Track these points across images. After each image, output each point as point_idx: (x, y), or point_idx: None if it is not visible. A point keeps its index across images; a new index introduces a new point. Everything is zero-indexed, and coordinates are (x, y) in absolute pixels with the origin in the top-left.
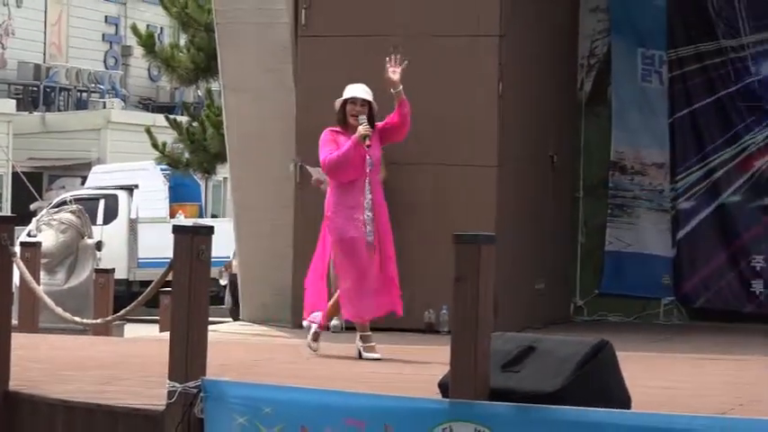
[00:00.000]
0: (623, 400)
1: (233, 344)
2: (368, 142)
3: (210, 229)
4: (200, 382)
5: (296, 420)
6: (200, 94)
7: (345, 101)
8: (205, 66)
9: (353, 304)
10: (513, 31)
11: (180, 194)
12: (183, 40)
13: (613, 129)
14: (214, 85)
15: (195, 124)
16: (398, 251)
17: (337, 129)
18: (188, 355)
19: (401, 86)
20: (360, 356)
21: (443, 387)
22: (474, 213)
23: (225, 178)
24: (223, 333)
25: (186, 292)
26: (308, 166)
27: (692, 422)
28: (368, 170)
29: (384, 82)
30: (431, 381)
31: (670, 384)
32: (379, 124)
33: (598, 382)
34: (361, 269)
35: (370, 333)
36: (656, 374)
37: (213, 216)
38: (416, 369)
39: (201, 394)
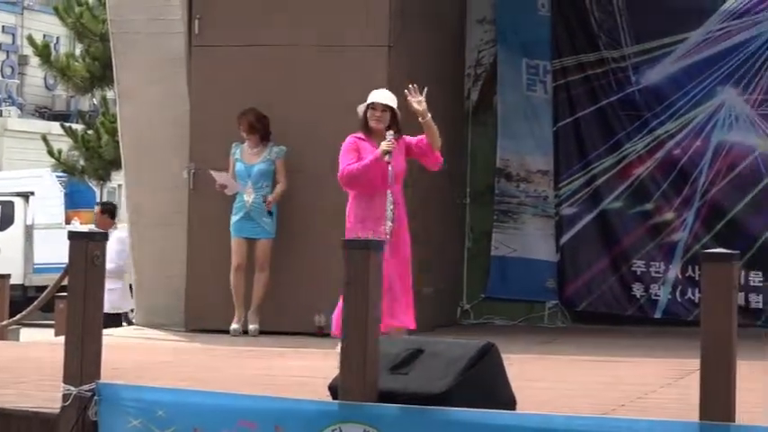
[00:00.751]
0: (508, 401)
1: (127, 348)
2: (388, 158)
3: (105, 236)
4: (95, 385)
5: (189, 422)
6: (95, 102)
7: (368, 106)
8: (100, 75)
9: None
10: (401, 42)
11: (75, 201)
12: (78, 50)
13: (499, 137)
14: (109, 94)
15: (90, 132)
16: (290, 257)
17: (360, 135)
18: (83, 358)
19: (429, 115)
20: None
21: (333, 389)
22: None
23: (120, 185)
24: (117, 337)
25: (81, 297)
26: (212, 171)
27: (571, 422)
28: (389, 182)
29: (291, 93)
30: (321, 383)
31: (553, 385)
32: (409, 139)
33: (484, 384)
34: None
35: None
36: (541, 376)
37: None
38: (307, 371)
39: (96, 397)
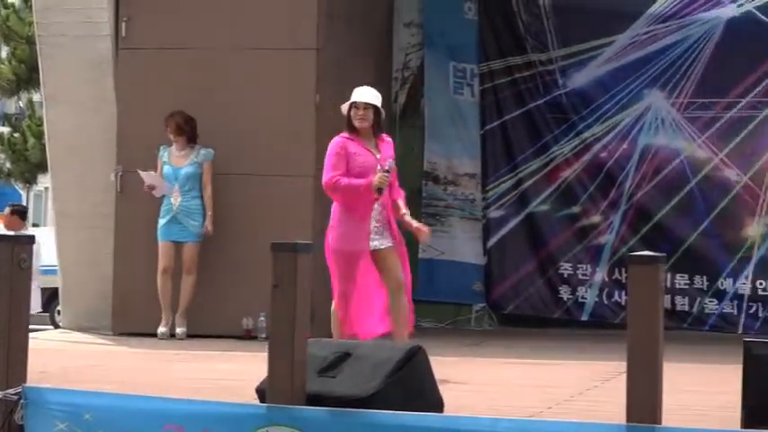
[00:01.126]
0: (436, 404)
1: (54, 351)
2: (378, 194)
3: (31, 239)
4: (21, 389)
5: (116, 426)
6: (21, 105)
7: (350, 105)
8: (26, 77)
9: (345, 312)
10: (329, 45)
11: (1, 204)
12: (4, 52)
13: (426, 140)
14: (35, 96)
15: (17, 135)
16: (218, 259)
17: (347, 135)
18: (8, 362)
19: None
20: None
21: (261, 392)
22: (292, 222)
23: (46, 188)
24: (44, 341)
25: (7, 300)
26: (140, 171)
27: (497, 424)
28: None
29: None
30: (249, 386)
31: (480, 388)
32: (392, 153)
33: (411, 387)
34: (347, 287)
35: None
36: (468, 378)
37: (35, 225)
38: (235, 375)
39: (22, 401)
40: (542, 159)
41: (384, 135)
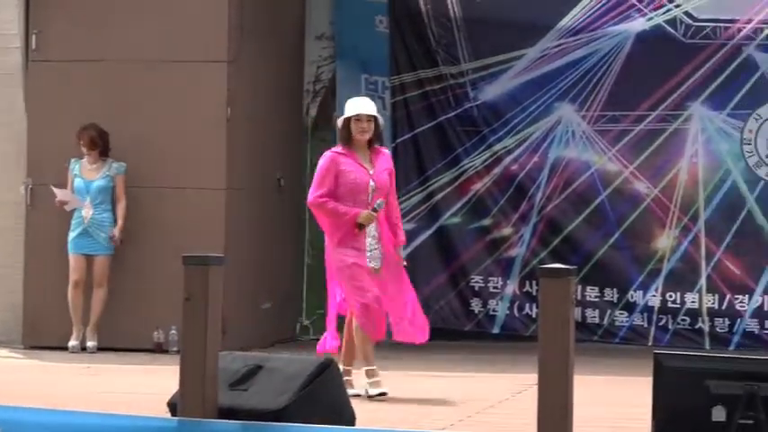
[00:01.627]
0: (348, 417)
1: None
2: (357, 231)
3: None
4: None
5: None
6: None
7: (349, 119)
8: None
9: (368, 320)
10: (241, 58)
11: None
12: None
13: None
14: None
15: None
16: (129, 272)
17: (340, 150)
18: None
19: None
20: (368, 395)
21: (172, 406)
22: (204, 235)
23: None
24: None
25: None
26: (53, 188)
27: None
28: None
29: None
30: (160, 400)
31: (393, 401)
32: (390, 168)
33: (323, 400)
34: (367, 288)
35: (374, 367)
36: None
37: None
38: (146, 388)
39: None
40: (453, 172)
41: (380, 147)
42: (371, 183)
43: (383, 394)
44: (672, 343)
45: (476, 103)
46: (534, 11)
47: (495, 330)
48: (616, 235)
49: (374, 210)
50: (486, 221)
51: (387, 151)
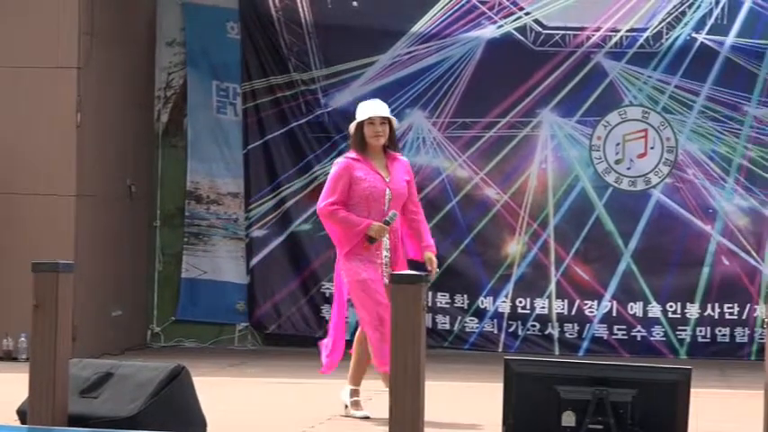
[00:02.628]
0: (199, 424)
1: None
2: (367, 245)
3: None
4: None
5: None
6: None
7: (362, 123)
8: None
9: (378, 353)
10: (91, 64)
11: None
12: None
13: (189, 159)
14: None
15: None
16: None
17: (354, 156)
18: None
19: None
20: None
21: (22, 414)
22: (54, 242)
23: None
24: None
25: None
26: None
27: None
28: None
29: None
30: (9, 408)
31: (244, 408)
32: (410, 173)
33: (175, 407)
34: (380, 312)
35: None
36: (232, 398)
37: None
38: None
39: None
40: (305, 179)
41: (397, 154)
42: (388, 191)
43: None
44: (522, 349)
45: (327, 109)
46: (385, 18)
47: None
48: (466, 241)
49: (386, 222)
50: None
51: (404, 159)
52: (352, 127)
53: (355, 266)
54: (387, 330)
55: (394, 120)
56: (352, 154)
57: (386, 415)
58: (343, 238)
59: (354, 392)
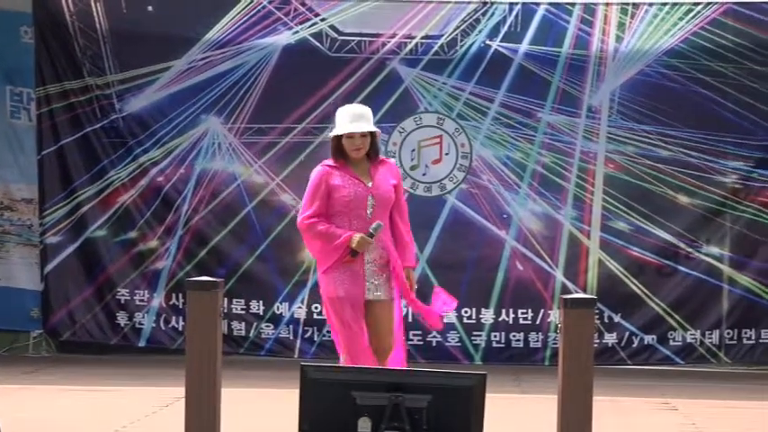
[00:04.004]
0: None
1: None
2: (349, 258)
3: None
4: None
5: None
6: None
7: (340, 136)
8: None
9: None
10: None
11: None
12: None
13: None
14: None
15: None
16: None
17: (332, 163)
18: None
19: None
20: None
21: None
22: None
23: None
24: None
25: None
26: None
27: None
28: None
29: None
30: None
31: (38, 416)
32: (398, 186)
33: None
34: (350, 339)
35: None
36: (25, 407)
37: None
38: None
39: None
40: (99, 184)
41: (384, 159)
42: (370, 197)
43: None
44: (318, 354)
45: (122, 114)
46: (181, 23)
47: (142, 344)
48: (262, 247)
49: (370, 234)
50: (133, 234)
51: (392, 161)
52: (330, 136)
53: (334, 281)
54: (358, 360)
55: (378, 131)
56: (330, 161)
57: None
58: (324, 252)
59: None
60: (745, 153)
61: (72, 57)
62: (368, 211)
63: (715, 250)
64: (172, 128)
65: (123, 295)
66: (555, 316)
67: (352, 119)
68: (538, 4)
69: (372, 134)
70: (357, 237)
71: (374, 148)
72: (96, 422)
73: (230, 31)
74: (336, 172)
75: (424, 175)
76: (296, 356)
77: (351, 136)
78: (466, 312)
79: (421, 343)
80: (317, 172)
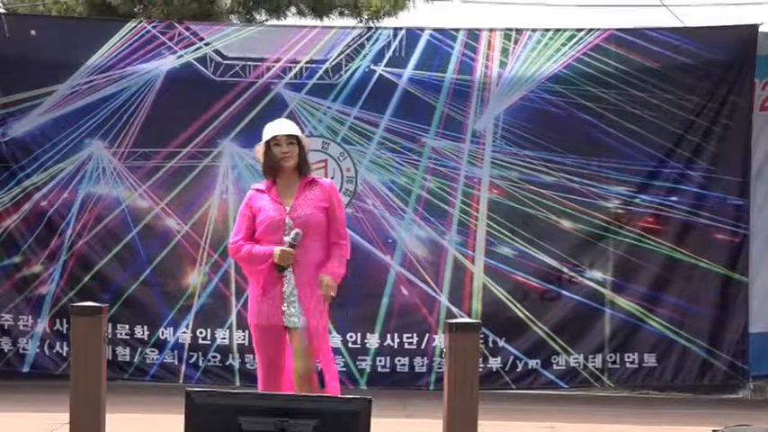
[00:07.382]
0: None
1: None
2: (278, 274)
3: None
4: None
5: None
6: None
7: (268, 144)
8: None
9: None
10: None
11: None
12: None
13: None
14: None
15: None
16: None
17: (259, 186)
18: None
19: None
20: None
21: None
22: None
23: None
24: None
25: None
26: None
27: None
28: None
29: None
30: None
31: None
32: (330, 201)
33: None
34: (267, 366)
35: None
36: None
37: None
38: None
39: None
40: None
41: (318, 178)
42: (288, 221)
43: None
44: (202, 380)
45: (4, 139)
46: (64, 48)
47: (25, 369)
48: (147, 272)
49: (290, 245)
50: (17, 259)
51: (326, 182)
52: (258, 151)
53: (253, 307)
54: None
55: (304, 138)
56: (259, 184)
57: None
58: (254, 275)
59: None
60: (627, 178)
61: None
62: (286, 235)
63: (598, 275)
64: (55, 152)
65: (7, 320)
66: (440, 340)
67: (278, 126)
68: (422, 30)
69: (301, 146)
70: (278, 250)
71: (303, 159)
72: None
73: (114, 56)
74: (260, 195)
75: None
76: (181, 382)
77: (278, 142)
78: (351, 337)
79: None
80: (246, 195)
